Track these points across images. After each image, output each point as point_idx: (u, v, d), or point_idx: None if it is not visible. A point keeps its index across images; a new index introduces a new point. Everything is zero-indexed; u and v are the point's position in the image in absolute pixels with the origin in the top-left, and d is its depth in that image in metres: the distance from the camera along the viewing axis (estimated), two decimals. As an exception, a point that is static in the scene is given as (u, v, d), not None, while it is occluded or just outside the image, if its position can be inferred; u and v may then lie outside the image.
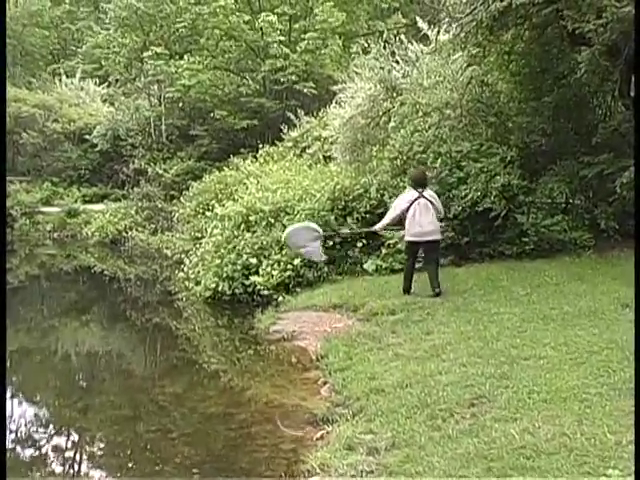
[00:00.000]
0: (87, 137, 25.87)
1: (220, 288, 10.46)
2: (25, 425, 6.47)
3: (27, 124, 26.47)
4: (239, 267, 10.49)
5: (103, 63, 27.85)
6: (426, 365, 5.81)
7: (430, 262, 8.54)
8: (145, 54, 23.16)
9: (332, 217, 10.51)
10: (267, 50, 22.28)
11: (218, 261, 10.76)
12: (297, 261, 10.12)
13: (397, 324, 7.47)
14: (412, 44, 13.42)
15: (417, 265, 8.90)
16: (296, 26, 23.25)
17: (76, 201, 23.94)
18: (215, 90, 22.80)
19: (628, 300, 6.72)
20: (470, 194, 9.80)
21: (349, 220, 10.52)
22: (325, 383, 6.35)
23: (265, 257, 10.44)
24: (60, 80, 30.40)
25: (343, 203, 10.78)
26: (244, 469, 4.96)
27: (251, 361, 8.14)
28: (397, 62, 13.16)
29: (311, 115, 18.21)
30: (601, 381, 4.91)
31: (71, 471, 5.52)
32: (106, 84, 29.84)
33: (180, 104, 23.48)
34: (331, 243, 10.40)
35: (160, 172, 21.45)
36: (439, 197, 9.01)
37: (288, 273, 10.07)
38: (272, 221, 10.95)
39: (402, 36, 13.59)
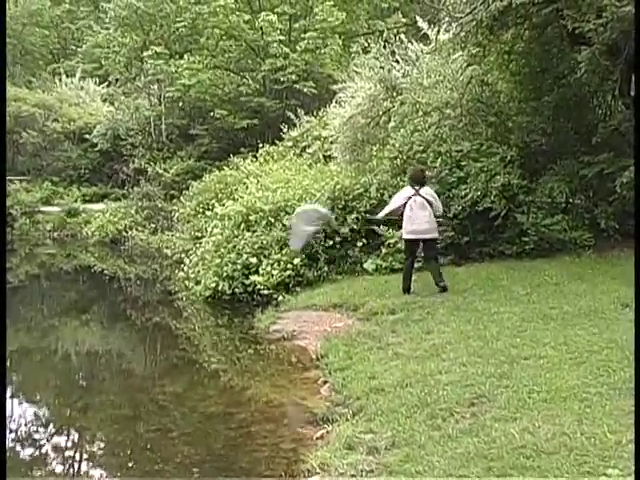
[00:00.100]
0: (87, 136, 25.86)
1: (220, 287, 10.47)
2: (25, 425, 6.47)
3: (27, 123, 26.46)
4: (239, 266, 10.49)
5: (103, 62, 27.86)
6: (426, 364, 5.81)
7: (430, 260, 8.55)
8: (145, 53, 23.16)
9: (332, 216, 10.50)
10: (267, 49, 22.28)
11: (218, 260, 10.76)
12: (297, 260, 10.13)
13: (397, 323, 7.47)
14: (412, 43, 13.42)
15: (417, 265, 8.92)
16: (296, 25, 23.24)
17: (76, 200, 23.93)
18: (215, 89, 22.80)
19: (628, 300, 6.72)
20: (470, 194, 9.80)
21: (349, 219, 10.51)
22: (325, 382, 6.35)
23: (265, 256, 10.44)
24: (60, 79, 30.38)
25: (343, 202, 10.78)
26: (244, 468, 4.96)
27: (251, 360, 8.14)
28: (397, 61, 13.16)
29: (311, 115, 18.20)
30: (601, 380, 4.91)
31: (71, 470, 5.52)
32: (106, 83, 29.84)
33: (180, 103, 23.48)
34: (331, 242, 10.41)
35: (160, 171, 21.45)
36: (439, 196, 9.01)
37: (288, 272, 10.07)
38: (272, 220, 10.95)
39: (402, 35, 13.58)
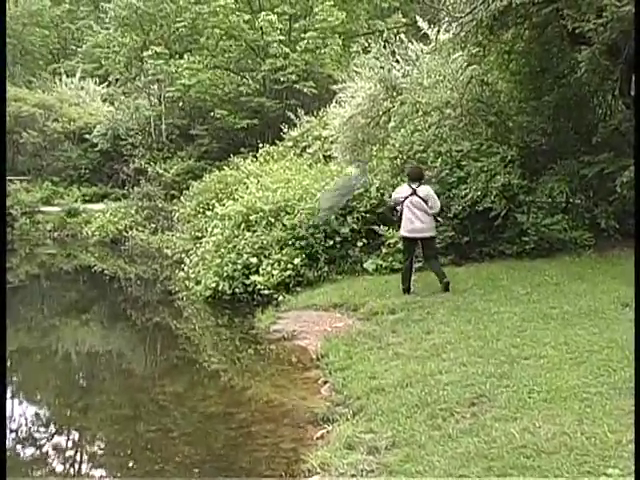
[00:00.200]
0: (87, 136, 25.87)
1: (220, 287, 10.47)
2: (25, 425, 6.47)
3: (27, 123, 26.46)
4: (239, 266, 10.49)
5: (103, 62, 27.86)
6: (426, 364, 5.81)
7: (429, 258, 8.56)
8: (145, 53, 23.17)
9: (332, 216, 10.51)
10: (267, 49, 22.29)
11: (218, 260, 10.77)
12: (297, 260, 10.14)
13: (397, 323, 7.47)
14: (412, 43, 13.44)
15: (417, 265, 8.93)
16: (296, 25, 23.25)
17: (76, 200, 23.92)
18: (215, 89, 22.81)
19: (628, 299, 6.72)
20: (470, 193, 9.80)
21: (349, 219, 10.51)
22: (325, 382, 6.35)
23: (265, 256, 10.45)
24: (60, 79, 30.39)
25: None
26: (244, 468, 4.96)
27: (251, 360, 8.14)
28: (397, 61, 13.17)
29: (311, 114, 18.22)
30: (601, 380, 4.91)
31: (71, 470, 5.52)
32: (106, 83, 29.85)
33: (180, 103, 23.49)
34: (331, 242, 10.41)
35: (160, 171, 21.46)
36: (439, 196, 9.01)
37: (288, 272, 10.08)
38: (272, 220, 10.95)
39: (402, 35, 13.61)
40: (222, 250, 10.98)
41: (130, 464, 5.37)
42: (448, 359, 5.87)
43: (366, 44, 15.13)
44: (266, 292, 10.06)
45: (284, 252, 10.31)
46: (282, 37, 22.02)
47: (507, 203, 9.86)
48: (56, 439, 6.19)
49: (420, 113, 11.59)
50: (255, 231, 10.96)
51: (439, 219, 8.76)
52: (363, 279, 9.83)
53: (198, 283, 11.05)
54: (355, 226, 10.47)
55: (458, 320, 7.06)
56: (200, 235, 13.52)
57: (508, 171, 9.99)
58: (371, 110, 12.87)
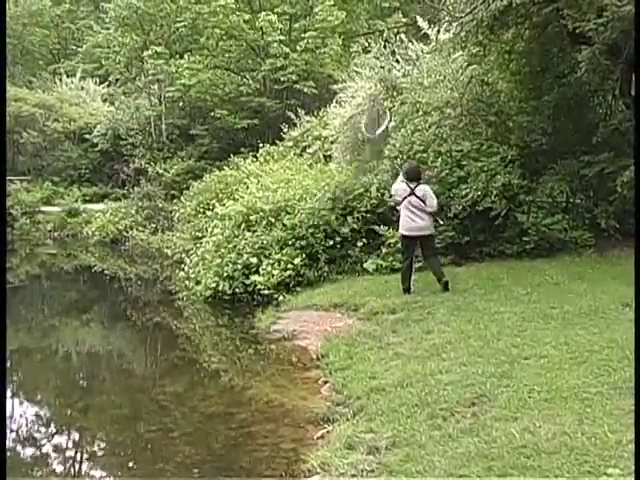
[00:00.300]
0: (87, 136, 25.88)
1: (220, 287, 10.47)
2: (26, 424, 6.47)
3: (27, 123, 26.46)
4: (239, 266, 10.49)
5: (103, 62, 27.83)
6: (426, 364, 5.80)
7: (429, 257, 8.55)
8: (145, 53, 23.15)
9: (333, 216, 10.51)
10: (267, 49, 22.28)
11: (218, 260, 10.77)
12: (297, 260, 10.14)
13: (397, 323, 7.47)
14: (412, 43, 13.44)
15: (417, 265, 8.92)
16: (296, 25, 23.24)
17: (76, 200, 23.93)
18: (215, 89, 22.79)
19: (628, 299, 6.71)
20: (470, 193, 9.80)
21: (349, 219, 10.52)
22: (326, 382, 6.35)
23: (265, 256, 10.45)
24: (60, 79, 30.40)
25: (344, 202, 10.77)
26: (244, 468, 4.96)
27: (251, 360, 8.14)
28: (397, 61, 13.17)
29: (311, 114, 18.21)
30: (601, 380, 4.91)
31: (72, 470, 5.52)
32: (106, 83, 29.84)
33: (180, 103, 23.48)
34: (331, 242, 10.41)
35: (160, 171, 21.46)
36: (439, 196, 9.01)
37: (288, 272, 10.07)
38: (272, 220, 10.95)
39: (402, 35, 13.60)
40: (222, 250, 10.99)
41: (130, 464, 5.37)
42: (448, 359, 5.87)
43: (366, 44, 15.10)
44: (266, 292, 10.05)
45: (284, 252, 10.31)
46: (282, 37, 22.01)
47: (507, 203, 9.85)
48: (56, 439, 6.20)
49: (420, 113, 11.58)
50: (255, 231, 10.96)
51: (438, 219, 8.75)
52: (363, 279, 9.83)
53: (198, 283, 11.05)
54: (355, 226, 10.47)
55: (458, 320, 7.06)
56: (200, 235, 13.52)
57: (508, 171, 9.99)
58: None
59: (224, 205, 12.37)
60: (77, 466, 5.60)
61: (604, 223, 9.89)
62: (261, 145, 18.48)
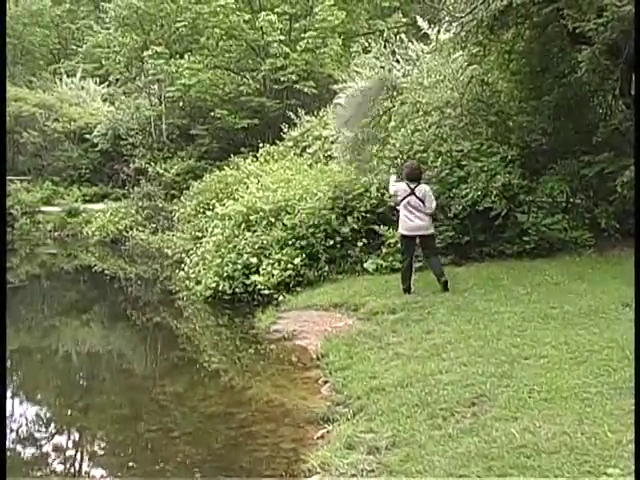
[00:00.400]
0: (87, 136, 25.88)
1: (221, 287, 10.47)
2: (26, 424, 6.47)
3: (27, 123, 26.47)
4: (239, 266, 10.49)
5: (103, 62, 27.83)
6: (426, 364, 5.80)
7: (429, 256, 8.55)
8: (145, 53, 23.15)
9: (333, 216, 10.52)
10: (267, 49, 22.28)
11: (219, 260, 10.77)
12: (297, 260, 10.14)
13: (397, 323, 7.47)
14: (412, 43, 13.42)
15: (417, 264, 8.92)
16: (296, 25, 23.24)
17: (76, 200, 23.94)
18: (215, 89, 22.80)
19: (628, 299, 6.71)
20: (470, 193, 9.80)
21: (349, 219, 10.52)
22: (326, 382, 6.36)
23: (266, 256, 10.45)
24: (60, 79, 30.41)
25: (344, 202, 10.78)
26: (244, 468, 4.96)
27: (251, 360, 8.14)
28: (397, 61, 13.15)
29: (311, 114, 18.20)
30: (601, 380, 4.91)
31: (72, 470, 5.53)
32: (106, 83, 29.85)
33: (180, 103, 23.47)
34: (332, 242, 10.41)
35: (160, 171, 21.45)
36: (439, 196, 9.01)
37: (289, 272, 10.08)
38: (272, 220, 10.95)
39: (402, 35, 13.59)
40: (222, 250, 10.99)
41: (130, 464, 5.37)
42: (448, 359, 5.87)
43: (366, 44, 15.10)
44: (266, 292, 10.05)
45: (284, 252, 10.31)
46: (282, 37, 22.00)
47: (507, 203, 9.85)
48: (56, 439, 6.20)
49: (420, 113, 11.59)
50: (255, 231, 10.96)
51: (435, 217, 8.75)
52: (363, 279, 9.83)
53: (198, 283, 11.06)
54: (355, 226, 10.47)
55: (458, 320, 7.06)
56: (200, 235, 13.52)
57: (508, 171, 9.99)
58: (371, 110, 12.85)
59: (224, 205, 12.37)
60: (77, 466, 5.60)
61: (604, 223, 9.89)
62: (261, 145, 18.48)
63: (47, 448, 5.93)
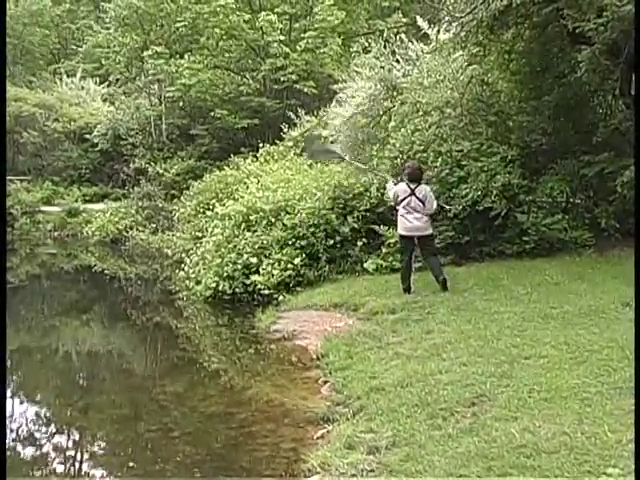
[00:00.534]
0: (87, 136, 25.86)
1: (221, 287, 10.47)
2: (26, 424, 6.47)
3: (27, 123, 26.46)
4: (239, 266, 10.49)
5: (103, 62, 27.82)
6: (426, 364, 5.81)
7: (427, 256, 8.55)
8: (145, 53, 23.14)
9: (333, 216, 10.52)
10: (267, 49, 22.27)
11: (219, 260, 10.77)
12: (297, 260, 10.14)
13: (397, 323, 7.47)
14: (412, 43, 13.43)
15: (418, 265, 8.92)
16: (296, 25, 23.23)
17: (76, 200, 23.93)
18: (215, 89, 22.78)
19: (628, 299, 6.71)
20: (470, 193, 9.80)
21: (349, 219, 10.52)
22: (326, 382, 6.36)
23: (266, 256, 10.45)
24: (60, 79, 30.38)
25: (343, 202, 10.78)
26: (244, 468, 4.96)
27: (251, 360, 8.14)
28: (397, 61, 13.17)
29: (311, 114, 18.20)
30: (601, 380, 4.91)
31: (72, 470, 5.53)
32: (106, 83, 29.82)
33: (180, 103, 23.46)
34: (332, 242, 10.42)
35: (160, 171, 21.44)
36: (439, 196, 9.00)
37: (288, 272, 10.08)
38: (272, 220, 10.95)
39: (402, 35, 13.60)
40: (222, 250, 10.99)
41: (130, 464, 5.37)
42: (448, 359, 5.87)
43: (366, 44, 15.10)
44: (266, 292, 10.05)
45: (284, 252, 10.31)
46: (282, 37, 21.99)
47: (507, 203, 9.85)
48: (56, 439, 6.20)
49: (420, 113, 11.59)
50: (255, 231, 10.96)
51: (435, 219, 8.75)
52: (363, 279, 9.83)
53: (198, 283, 11.06)
54: (355, 225, 10.47)
55: (458, 320, 7.06)
56: (200, 235, 13.52)
57: (508, 171, 9.99)
58: (371, 110, 12.87)
59: (224, 205, 12.36)
60: (77, 466, 5.60)
61: (604, 223, 9.89)
62: (261, 145, 18.46)
63: (47, 448, 5.93)
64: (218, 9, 22.19)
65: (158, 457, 5.34)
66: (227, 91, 22.92)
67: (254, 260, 10.44)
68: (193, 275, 11.44)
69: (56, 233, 22.45)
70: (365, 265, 10.18)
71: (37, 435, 6.28)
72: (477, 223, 10.00)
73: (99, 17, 31.00)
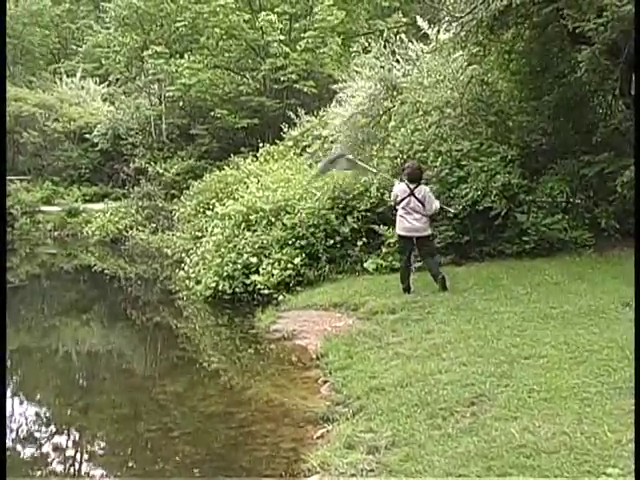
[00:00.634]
0: (87, 136, 25.85)
1: (220, 287, 10.47)
2: (26, 424, 6.47)
3: (27, 123, 26.45)
4: (239, 266, 10.50)
5: (103, 62, 27.82)
6: (426, 364, 5.81)
7: (425, 257, 8.55)
8: (145, 53, 23.14)
9: (332, 216, 10.52)
10: (267, 49, 22.27)
11: (218, 260, 10.77)
12: (297, 260, 10.15)
13: (397, 323, 7.47)
14: (412, 43, 13.42)
15: (418, 264, 8.92)
16: (296, 25, 23.22)
17: (76, 200, 23.93)
18: (215, 89, 22.78)
19: (628, 299, 6.72)
20: (470, 193, 9.80)
21: (349, 219, 10.52)
22: (325, 382, 6.36)
23: (265, 256, 10.45)
24: (60, 79, 30.38)
25: (343, 202, 10.78)
26: (244, 468, 4.96)
27: (251, 360, 8.14)
28: (397, 61, 13.16)
29: (311, 114, 18.19)
30: (601, 380, 4.91)
31: (72, 470, 5.53)
32: (106, 83, 29.82)
33: (180, 103, 23.46)
34: (332, 242, 10.42)
35: (160, 171, 21.44)
36: (439, 196, 9.00)
37: (288, 272, 10.08)
38: (272, 220, 10.96)
39: (402, 35, 13.59)
40: (222, 250, 10.99)
41: (130, 464, 5.38)
42: (448, 359, 5.87)
43: (366, 44, 15.09)
44: (266, 292, 10.06)
45: (284, 252, 10.32)
46: (282, 37, 21.98)
47: (507, 203, 9.86)
48: (56, 438, 6.20)
49: (420, 113, 11.58)
50: (255, 231, 10.96)
51: (434, 219, 8.75)
52: (363, 278, 9.83)
53: (198, 283, 11.06)
54: (355, 225, 10.48)
55: (458, 320, 7.06)
56: (200, 235, 13.52)
57: (508, 171, 10.00)
58: (371, 110, 12.86)
59: (224, 205, 12.37)
60: (77, 466, 5.60)
61: (604, 223, 9.89)
62: (261, 145, 18.46)
63: (47, 448, 5.93)
64: (218, 9, 22.18)
65: (158, 457, 5.34)
66: (227, 91, 22.91)
67: (254, 260, 10.44)
68: (193, 275, 11.44)
69: (56, 233, 22.44)
70: (365, 265, 10.18)
71: (37, 435, 6.28)
72: (477, 223, 10.00)
73: (99, 17, 30.98)
